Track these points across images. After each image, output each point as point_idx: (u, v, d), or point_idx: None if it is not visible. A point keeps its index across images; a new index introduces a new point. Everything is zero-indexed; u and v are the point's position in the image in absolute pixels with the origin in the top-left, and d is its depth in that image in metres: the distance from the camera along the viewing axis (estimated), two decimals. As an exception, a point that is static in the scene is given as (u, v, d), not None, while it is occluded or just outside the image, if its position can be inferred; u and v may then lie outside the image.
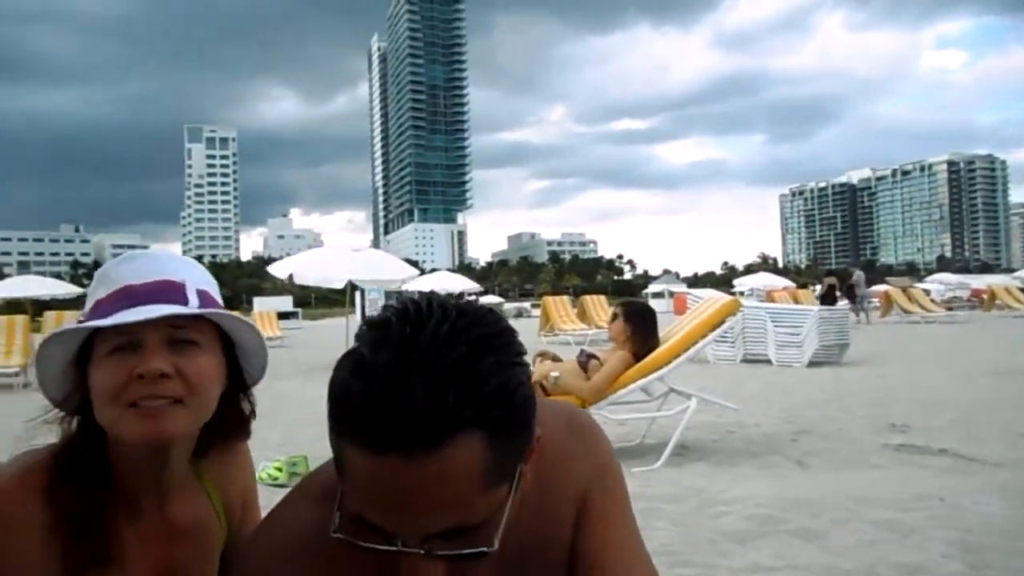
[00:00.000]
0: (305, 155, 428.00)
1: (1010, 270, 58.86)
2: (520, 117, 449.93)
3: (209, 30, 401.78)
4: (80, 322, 0.94)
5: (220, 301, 1.04)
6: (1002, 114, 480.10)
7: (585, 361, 4.46)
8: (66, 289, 16.02)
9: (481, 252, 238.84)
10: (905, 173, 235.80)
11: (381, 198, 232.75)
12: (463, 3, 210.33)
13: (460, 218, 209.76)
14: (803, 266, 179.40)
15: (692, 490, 3.85)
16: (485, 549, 0.69)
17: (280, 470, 4.21)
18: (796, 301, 17.77)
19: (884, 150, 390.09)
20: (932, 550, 2.84)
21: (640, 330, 4.52)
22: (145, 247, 70.87)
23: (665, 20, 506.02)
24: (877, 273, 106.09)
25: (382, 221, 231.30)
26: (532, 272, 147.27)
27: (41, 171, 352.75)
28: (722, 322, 4.83)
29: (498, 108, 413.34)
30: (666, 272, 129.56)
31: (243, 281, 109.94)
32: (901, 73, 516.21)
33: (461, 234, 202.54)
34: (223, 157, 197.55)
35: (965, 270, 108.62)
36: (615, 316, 4.65)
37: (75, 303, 17.17)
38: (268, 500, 1.02)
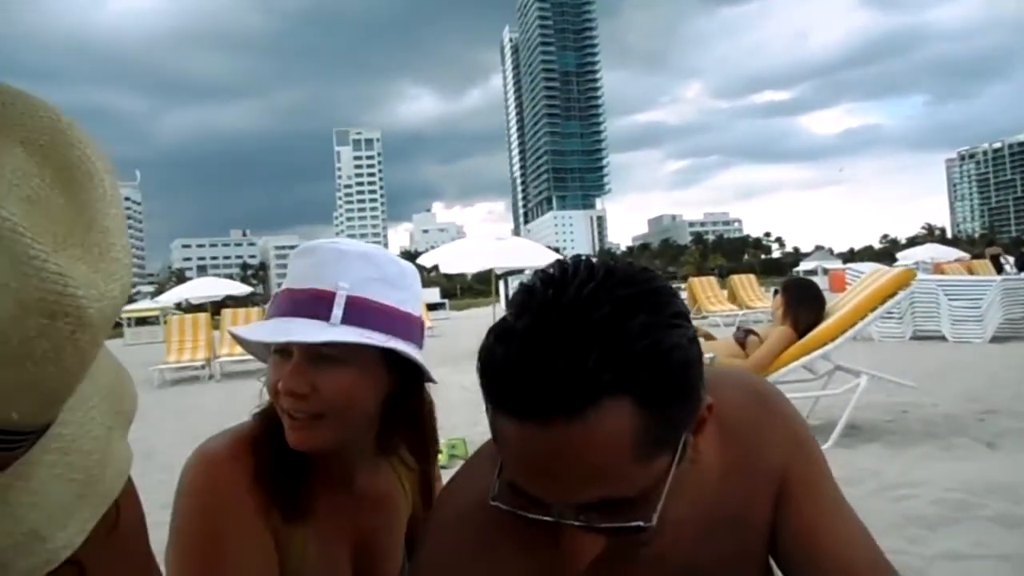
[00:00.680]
0: (444, 150, 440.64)
1: None
2: (653, 97, 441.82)
3: (349, 39, 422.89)
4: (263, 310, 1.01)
5: (385, 299, 1.01)
6: None
7: (743, 337, 4.30)
8: (239, 288, 17.54)
9: (621, 237, 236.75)
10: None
11: (520, 188, 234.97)
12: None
13: (599, 203, 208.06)
14: (976, 235, 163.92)
15: (868, 472, 3.62)
16: (642, 523, 0.65)
17: (440, 452, 4.35)
18: (971, 273, 16.30)
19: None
20: None
21: (803, 305, 4.32)
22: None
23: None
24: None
25: (521, 211, 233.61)
26: (675, 254, 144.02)
27: (210, 182, 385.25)
28: (893, 295, 4.48)
29: (631, 89, 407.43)
30: (818, 248, 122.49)
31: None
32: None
33: (600, 219, 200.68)
34: (369, 157, 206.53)
35: None
36: (776, 292, 4.46)
37: (246, 300, 18.77)
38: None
